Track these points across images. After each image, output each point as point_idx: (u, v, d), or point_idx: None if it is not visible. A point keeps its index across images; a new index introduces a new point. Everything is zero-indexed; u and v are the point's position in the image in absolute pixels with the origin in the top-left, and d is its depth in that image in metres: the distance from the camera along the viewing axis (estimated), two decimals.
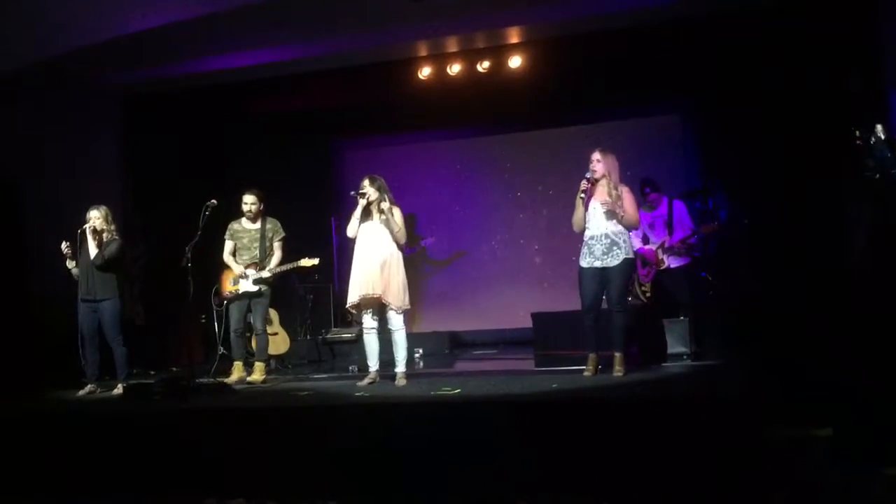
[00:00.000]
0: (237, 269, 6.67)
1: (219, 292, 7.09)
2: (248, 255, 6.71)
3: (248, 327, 6.88)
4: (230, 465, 4.67)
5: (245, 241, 6.74)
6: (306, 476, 4.54)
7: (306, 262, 6.66)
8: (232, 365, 6.81)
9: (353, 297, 5.88)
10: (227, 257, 6.77)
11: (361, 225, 5.92)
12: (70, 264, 6.44)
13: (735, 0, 7.28)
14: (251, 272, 6.64)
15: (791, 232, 7.24)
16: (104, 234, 6.44)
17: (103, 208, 6.51)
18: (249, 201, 6.68)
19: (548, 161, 9.21)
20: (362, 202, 5.88)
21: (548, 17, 7.86)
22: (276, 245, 6.73)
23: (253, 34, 7.59)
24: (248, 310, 6.73)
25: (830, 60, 7.01)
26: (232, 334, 6.75)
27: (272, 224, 6.77)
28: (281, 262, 6.70)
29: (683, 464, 3.93)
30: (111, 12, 7.20)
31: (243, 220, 6.76)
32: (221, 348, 7.80)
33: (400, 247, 5.94)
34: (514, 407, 4.74)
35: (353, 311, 6.00)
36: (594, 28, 8.00)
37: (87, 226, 6.38)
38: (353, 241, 5.98)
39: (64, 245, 6.40)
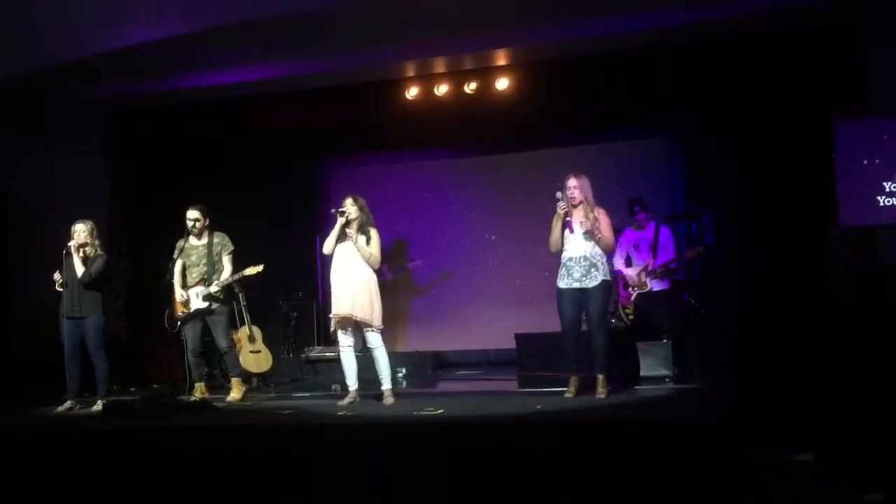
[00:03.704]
0: (178, 291, 6.49)
1: (171, 315, 6.69)
2: (196, 272, 6.50)
3: (213, 347, 6.73)
4: (209, 483, 4.63)
5: (193, 258, 6.54)
6: (287, 495, 4.51)
7: (251, 271, 6.44)
8: (194, 386, 6.62)
9: (331, 314, 5.94)
10: (175, 277, 6.54)
11: (340, 244, 5.95)
12: (60, 288, 6.38)
13: (721, 27, 7.37)
14: (199, 289, 6.46)
15: (774, 256, 7.29)
16: (88, 249, 6.39)
17: (89, 223, 6.46)
18: (192, 217, 6.46)
19: (534, 182, 9.22)
20: (341, 220, 5.91)
21: (535, 40, 7.93)
22: (226, 259, 6.54)
23: (242, 52, 7.60)
24: (205, 329, 6.56)
25: (814, 86, 7.10)
26: (190, 355, 6.56)
27: (219, 238, 6.58)
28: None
29: (664, 487, 3.93)
30: (99, 26, 7.19)
31: (190, 237, 6.54)
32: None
33: (375, 270, 5.98)
34: (498, 428, 4.74)
35: (333, 328, 6.03)
36: (581, 52, 8.06)
37: (71, 243, 6.33)
38: (330, 258, 6.00)
39: (56, 275, 6.35)
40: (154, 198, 8.78)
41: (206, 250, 6.54)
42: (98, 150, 8.86)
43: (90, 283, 6.35)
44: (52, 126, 8.31)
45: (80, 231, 6.38)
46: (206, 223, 6.56)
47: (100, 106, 8.80)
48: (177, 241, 6.63)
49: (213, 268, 6.51)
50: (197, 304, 6.47)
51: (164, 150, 8.97)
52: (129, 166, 8.99)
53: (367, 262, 5.90)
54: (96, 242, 6.47)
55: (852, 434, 3.98)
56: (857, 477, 3.74)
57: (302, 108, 8.99)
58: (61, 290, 6.36)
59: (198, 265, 6.54)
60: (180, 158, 8.98)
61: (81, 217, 6.52)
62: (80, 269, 6.32)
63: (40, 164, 8.12)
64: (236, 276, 6.50)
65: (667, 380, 6.45)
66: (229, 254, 6.57)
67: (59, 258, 6.36)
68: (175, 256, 6.57)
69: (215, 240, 6.57)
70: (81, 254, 6.36)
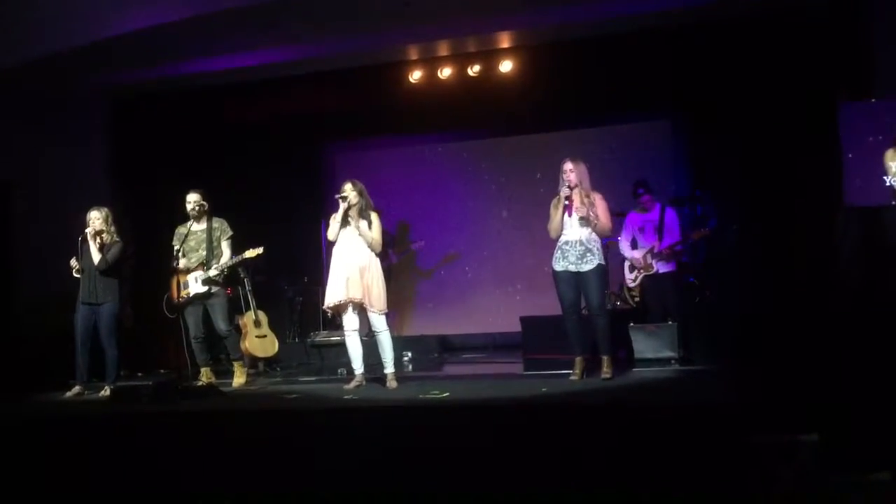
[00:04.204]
0: (184, 262, 6.50)
1: (169, 300, 6.74)
2: (195, 257, 6.52)
3: (212, 333, 6.74)
4: (216, 467, 4.65)
5: (192, 243, 6.57)
6: (294, 478, 4.53)
7: (251, 253, 6.45)
8: (200, 371, 6.69)
9: (331, 300, 5.93)
10: (180, 264, 6.52)
11: (342, 229, 5.96)
12: (77, 275, 6.40)
13: (726, 9, 7.33)
14: (199, 273, 6.48)
15: (779, 239, 7.28)
16: (104, 236, 6.41)
17: (104, 209, 6.48)
18: (193, 200, 6.51)
19: (537, 165, 9.21)
20: (343, 206, 5.92)
21: (539, 22, 7.89)
22: (225, 244, 6.57)
23: (244, 37, 7.59)
24: (206, 314, 6.58)
25: (819, 68, 7.07)
26: (193, 342, 6.59)
27: (219, 223, 6.61)
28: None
29: (668, 469, 3.94)
30: (100, 14, 7.18)
31: (189, 222, 6.59)
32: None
33: (378, 253, 5.99)
34: (503, 411, 4.76)
35: (331, 313, 6.07)
36: (585, 34, 8.03)
37: (87, 230, 6.35)
38: (333, 243, 6.02)
39: (73, 262, 6.38)
40: (156, 185, 8.79)
41: (205, 235, 6.57)
42: (100, 137, 8.87)
43: (107, 269, 6.37)
44: (55, 117, 8.31)
45: (96, 218, 6.41)
46: (206, 207, 6.60)
47: (101, 94, 8.80)
48: (178, 227, 6.66)
49: (212, 253, 6.53)
50: (196, 288, 6.49)
51: (165, 137, 8.97)
52: (130, 153, 9.00)
53: (370, 246, 5.92)
54: (112, 229, 6.49)
55: (858, 414, 3.98)
56: (864, 457, 3.74)
57: (304, 93, 8.98)
58: (78, 276, 6.38)
59: (197, 250, 6.56)
60: (182, 145, 8.99)
61: (90, 205, 6.52)
62: (96, 256, 6.35)
63: (42, 154, 8.12)
64: (236, 259, 6.53)
65: (672, 362, 6.46)
66: (228, 238, 6.60)
67: (76, 245, 6.39)
68: (173, 242, 6.60)
69: (214, 224, 6.60)
70: (98, 241, 6.37)
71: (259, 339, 7.75)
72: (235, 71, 8.43)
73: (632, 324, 6.70)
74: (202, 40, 7.65)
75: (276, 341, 8.09)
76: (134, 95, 8.92)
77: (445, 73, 8.70)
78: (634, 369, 6.24)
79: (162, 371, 8.09)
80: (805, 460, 3.73)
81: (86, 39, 7.31)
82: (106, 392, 6.25)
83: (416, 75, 8.77)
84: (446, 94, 8.78)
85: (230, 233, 6.62)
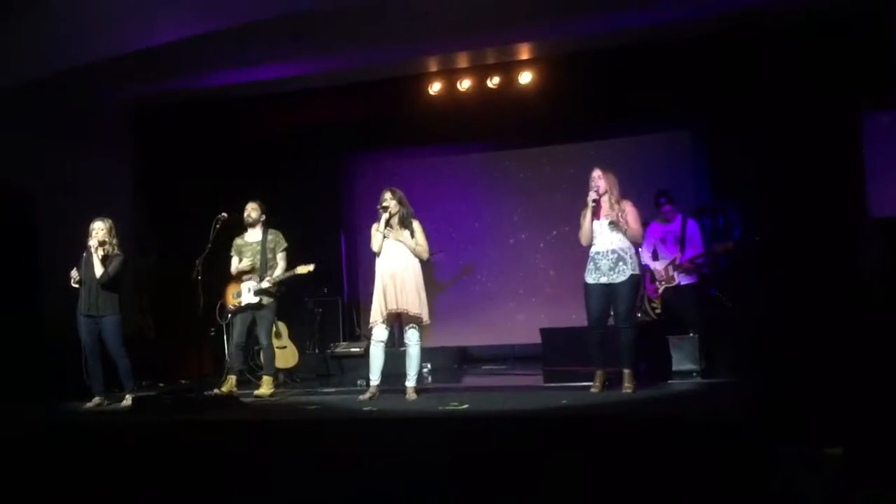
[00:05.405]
0: (240, 265, 6.73)
1: (223, 307, 7.09)
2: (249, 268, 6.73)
3: (254, 341, 6.86)
4: (235, 477, 4.65)
5: (247, 254, 6.75)
6: (311, 490, 4.53)
7: (303, 269, 6.64)
8: (225, 378, 6.78)
9: (378, 315, 5.88)
10: (234, 272, 6.80)
11: (385, 239, 5.93)
12: (76, 285, 6.42)
13: (748, 18, 7.30)
14: (252, 284, 6.64)
15: (802, 250, 7.21)
16: (106, 247, 6.40)
17: (108, 220, 6.47)
18: (250, 208, 6.77)
19: (557, 177, 9.21)
20: (385, 216, 5.90)
21: (558, 33, 7.89)
22: (280, 256, 6.73)
23: (266, 49, 7.64)
24: (253, 323, 6.72)
25: (841, 77, 7.02)
26: (233, 347, 6.78)
27: (273, 235, 6.77)
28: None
29: (692, 483, 3.90)
30: (124, 27, 7.25)
31: (246, 234, 6.82)
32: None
33: (421, 261, 5.97)
34: (523, 423, 4.73)
35: (371, 325, 6.00)
36: (605, 44, 8.03)
37: (90, 243, 6.36)
38: (375, 254, 5.99)
39: (73, 272, 6.40)
40: (179, 196, 8.85)
41: (259, 247, 6.70)
42: (124, 149, 8.95)
43: (108, 283, 6.39)
44: (78, 128, 8.39)
45: (99, 229, 6.39)
46: (263, 218, 6.80)
47: (126, 105, 8.89)
48: (236, 238, 6.85)
49: (266, 264, 6.66)
50: (248, 298, 6.65)
51: (189, 148, 9.04)
52: (154, 165, 9.08)
53: (415, 252, 5.91)
54: (114, 241, 6.45)
55: (883, 426, 3.93)
56: (890, 470, 3.69)
57: (325, 105, 9.04)
58: (77, 286, 6.41)
59: (251, 261, 6.70)
60: (205, 156, 9.05)
61: (105, 215, 6.55)
62: (98, 269, 6.34)
63: (67, 165, 8.20)
64: (288, 274, 6.66)
65: (694, 374, 6.41)
66: (283, 250, 6.76)
67: (80, 256, 6.43)
68: (231, 253, 6.81)
69: (269, 236, 6.76)
70: (101, 252, 6.38)
71: (279, 350, 7.77)
72: (258, 83, 8.49)
73: (670, 336, 6.64)
74: (226, 52, 7.71)
75: (297, 352, 8.11)
76: (158, 107, 9.00)
77: (465, 84, 8.72)
78: (657, 382, 6.18)
79: (183, 381, 8.13)
80: (830, 474, 3.69)
81: (111, 52, 7.38)
82: (127, 402, 6.27)
83: (435, 87, 8.80)
84: (466, 105, 8.80)
85: (285, 244, 6.78)
